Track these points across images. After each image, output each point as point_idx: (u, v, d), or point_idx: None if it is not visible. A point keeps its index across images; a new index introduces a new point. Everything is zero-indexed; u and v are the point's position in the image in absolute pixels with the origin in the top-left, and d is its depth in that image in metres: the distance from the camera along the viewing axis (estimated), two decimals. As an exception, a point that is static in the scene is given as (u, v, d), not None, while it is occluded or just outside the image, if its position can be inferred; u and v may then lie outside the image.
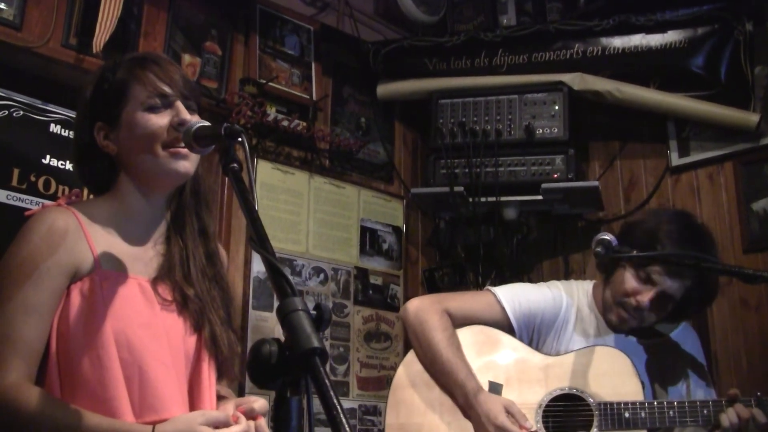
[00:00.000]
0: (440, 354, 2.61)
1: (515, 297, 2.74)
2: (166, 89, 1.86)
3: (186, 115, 1.84)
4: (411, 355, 2.75)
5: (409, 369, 2.72)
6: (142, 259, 1.89)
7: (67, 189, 3.22)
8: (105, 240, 1.84)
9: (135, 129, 1.83)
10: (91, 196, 2.01)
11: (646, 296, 2.60)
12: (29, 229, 1.79)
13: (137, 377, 1.74)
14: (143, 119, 1.83)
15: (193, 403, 1.85)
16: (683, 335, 2.79)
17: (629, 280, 2.64)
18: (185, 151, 1.80)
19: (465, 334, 2.70)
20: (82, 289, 1.77)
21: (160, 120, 1.83)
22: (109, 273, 1.80)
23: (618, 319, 2.67)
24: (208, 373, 1.89)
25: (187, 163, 1.86)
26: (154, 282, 1.87)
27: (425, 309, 2.72)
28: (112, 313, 1.75)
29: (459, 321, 2.71)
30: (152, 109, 1.84)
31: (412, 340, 2.74)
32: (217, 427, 1.72)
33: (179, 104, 1.86)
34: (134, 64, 1.90)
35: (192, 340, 1.88)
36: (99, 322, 1.73)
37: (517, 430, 2.44)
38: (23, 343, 1.71)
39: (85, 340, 1.73)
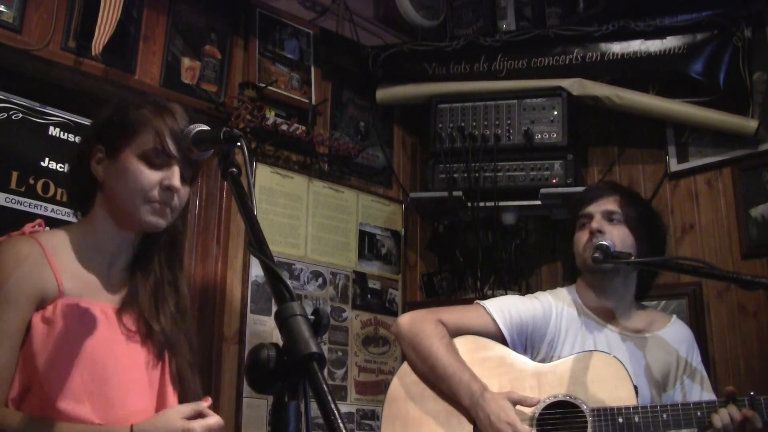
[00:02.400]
0: (440, 359, 2.60)
1: (505, 308, 2.73)
2: (171, 148, 1.86)
3: (177, 182, 1.86)
4: (405, 367, 2.73)
5: (403, 381, 2.70)
6: (106, 289, 1.90)
7: (65, 192, 3.22)
8: (69, 268, 1.84)
9: (126, 174, 1.85)
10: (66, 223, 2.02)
11: (594, 223, 2.71)
12: None
13: (103, 396, 1.76)
14: (138, 169, 1.85)
15: None
16: (677, 333, 2.76)
17: (578, 234, 2.78)
18: (164, 209, 1.85)
19: (456, 344, 2.68)
20: (45, 315, 1.77)
21: (153, 176, 1.85)
22: (72, 299, 1.80)
23: (591, 253, 2.67)
24: (174, 401, 1.90)
25: (162, 220, 1.87)
26: (119, 312, 1.89)
27: (419, 320, 2.71)
28: (75, 337, 1.76)
29: (452, 332, 2.69)
30: (150, 163, 1.85)
31: (408, 351, 2.70)
32: (194, 417, 1.73)
33: (176, 169, 1.87)
34: (156, 110, 1.90)
35: (156, 372, 1.89)
36: (62, 345, 1.74)
37: (526, 428, 2.43)
38: None
39: (48, 363, 1.73)
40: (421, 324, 2.69)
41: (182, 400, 1.91)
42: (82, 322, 1.78)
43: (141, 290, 1.93)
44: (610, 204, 2.74)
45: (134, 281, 1.95)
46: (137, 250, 1.99)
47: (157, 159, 1.85)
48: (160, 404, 1.88)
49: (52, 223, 2.86)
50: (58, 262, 1.82)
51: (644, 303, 2.89)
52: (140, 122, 1.87)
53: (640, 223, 2.74)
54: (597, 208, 2.74)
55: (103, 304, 1.85)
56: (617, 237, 2.66)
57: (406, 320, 2.75)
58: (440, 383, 2.62)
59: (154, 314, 1.92)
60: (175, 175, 1.85)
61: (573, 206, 2.94)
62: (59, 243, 1.87)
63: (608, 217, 2.71)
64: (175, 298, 2.00)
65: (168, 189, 1.84)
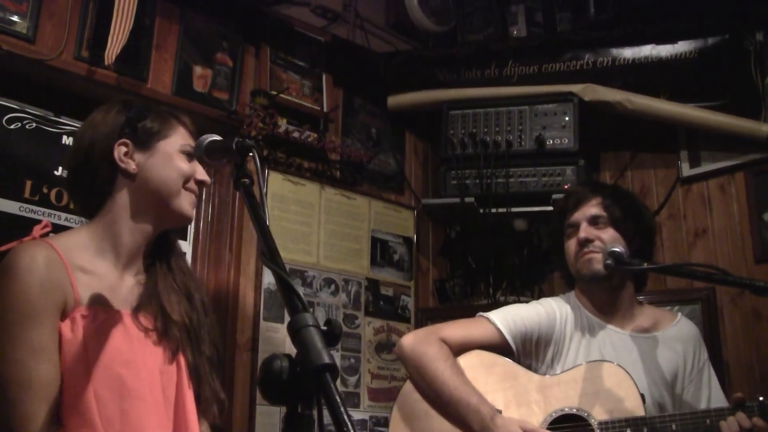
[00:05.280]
0: (447, 383, 2.56)
1: (508, 317, 2.70)
2: (194, 145, 1.94)
3: (205, 176, 1.99)
4: (408, 386, 2.69)
5: (406, 401, 2.67)
6: (123, 290, 1.88)
7: (71, 196, 3.23)
8: (84, 273, 1.81)
9: (172, 163, 1.94)
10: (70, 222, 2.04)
11: (581, 233, 2.68)
12: (14, 266, 1.72)
13: (118, 417, 1.72)
14: (181, 159, 1.95)
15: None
16: (685, 332, 2.71)
17: (567, 244, 2.75)
18: (196, 202, 2.00)
19: (460, 361, 2.64)
20: (66, 326, 1.73)
21: (191, 167, 1.96)
22: (88, 310, 1.77)
23: (586, 263, 2.66)
24: (192, 402, 1.89)
25: (193, 213, 2.00)
26: (135, 311, 1.87)
27: (422, 341, 2.66)
28: (92, 351, 1.73)
29: (456, 348, 2.66)
30: (188, 155, 1.97)
31: (413, 374, 2.67)
32: None
33: (197, 163, 1.99)
34: (176, 114, 2.04)
35: (172, 369, 1.87)
36: (79, 360, 1.71)
37: None
38: (41, 388, 1.67)
39: (67, 378, 1.71)
40: (423, 346, 2.64)
41: (197, 397, 1.90)
42: (97, 334, 1.75)
43: (160, 287, 1.93)
44: (593, 208, 2.71)
45: (151, 281, 1.94)
46: (149, 254, 1.99)
47: (191, 152, 1.95)
48: (179, 408, 1.86)
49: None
50: (73, 268, 1.78)
51: (647, 302, 2.87)
52: (171, 119, 2.00)
53: (627, 221, 2.70)
54: (582, 215, 2.71)
55: (119, 310, 1.83)
56: (607, 241, 2.64)
57: (409, 342, 2.69)
58: (447, 407, 2.57)
59: (175, 308, 1.92)
60: (200, 169, 1.98)
61: (557, 212, 2.89)
62: (74, 244, 1.84)
63: (594, 221, 2.69)
64: (197, 296, 2.01)
65: (201, 183, 1.98)
